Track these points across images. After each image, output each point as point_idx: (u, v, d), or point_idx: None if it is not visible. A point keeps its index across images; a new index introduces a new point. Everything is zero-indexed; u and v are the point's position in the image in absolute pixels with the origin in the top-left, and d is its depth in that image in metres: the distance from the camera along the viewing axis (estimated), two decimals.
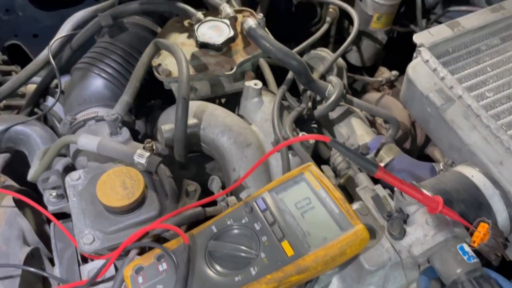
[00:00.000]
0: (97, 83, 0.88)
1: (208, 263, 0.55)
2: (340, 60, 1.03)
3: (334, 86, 0.90)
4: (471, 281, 0.51)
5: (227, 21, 0.88)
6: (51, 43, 0.94)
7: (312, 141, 0.76)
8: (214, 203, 0.68)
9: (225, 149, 0.77)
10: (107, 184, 0.66)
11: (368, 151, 0.79)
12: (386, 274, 0.57)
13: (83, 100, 0.87)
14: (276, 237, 0.54)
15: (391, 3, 1.14)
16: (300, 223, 0.55)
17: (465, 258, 0.53)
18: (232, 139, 0.77)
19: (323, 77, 0.97)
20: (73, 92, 0.88)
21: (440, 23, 1.24)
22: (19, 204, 0.75)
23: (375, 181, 0.66)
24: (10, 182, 0.84)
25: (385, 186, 0.64)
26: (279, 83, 0.91)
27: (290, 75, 0.90)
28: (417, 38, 0.79)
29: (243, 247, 0.55)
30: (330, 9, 1.12)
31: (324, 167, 0.80)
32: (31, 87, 1.03)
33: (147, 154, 0.70)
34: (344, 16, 1.23)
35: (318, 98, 0.95)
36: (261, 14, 0.88)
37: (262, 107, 0.83)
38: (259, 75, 0.97)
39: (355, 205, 0.61)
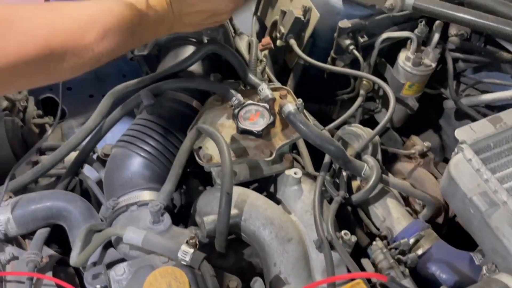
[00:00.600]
0: (137, 162, 0.90)
1: None
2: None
3: (371, 168, 0.90)
4: None
5: (267, 106, 0.90)
6: (90, 120, 0.96)
7: (354, 239, 0.77)
8: None
9: (266, 243, 0.78)
10: (153, 285, 0.67)
11: (409, 247, 0.79)
12: None
13: (124, 181, 0.88)
14: None
15: (424, 73, 1.15)
16: None
17: None
18: (273, 233, 0.77)
19: (358, 155, 0.98)
20: (114, 172, 0.90)
21: (467, 84, 1.25)
22: None
23: None
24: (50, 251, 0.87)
25: None
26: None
27: (327, 158, 0.91)
28: (459, 133, 0.80)
29: None
30: (364, 82, 1.13)
31: (363, 261, 0.80)
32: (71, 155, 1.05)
33: (191, 251, 0.72)
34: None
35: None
36: (300, 100, 0.90)
37: (302, 196, 0.84)
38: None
39: None
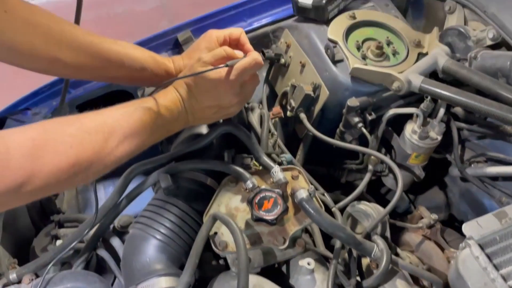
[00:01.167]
0: (153, 246, 0.93)
1: None
2: None
3: (380, 251, 0.93)
4: None
5: (280, 192, 0.93)
6: (109, 198, 1.00)
7: None
8: None
9: None
10: None
11: None
12: None
13: (141, 266, 0.91)
14: None
15: (430, 146, 1.19)
16: None
17: None
18: None
19: (368, 235, 1.00)
20: (132, 255, 0.93)
21: (472, 149, 1.29)
22: None
23: None
24: None
25: None
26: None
27: (338, 244, 0.94)
28: (466, 229, 0.83)
29: None
30: (373, 157, 1.17)
31: None
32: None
33: None
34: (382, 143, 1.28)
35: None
36: (312, 186, 0.93)
37: (315, 287, 0.86)
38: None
39: None
